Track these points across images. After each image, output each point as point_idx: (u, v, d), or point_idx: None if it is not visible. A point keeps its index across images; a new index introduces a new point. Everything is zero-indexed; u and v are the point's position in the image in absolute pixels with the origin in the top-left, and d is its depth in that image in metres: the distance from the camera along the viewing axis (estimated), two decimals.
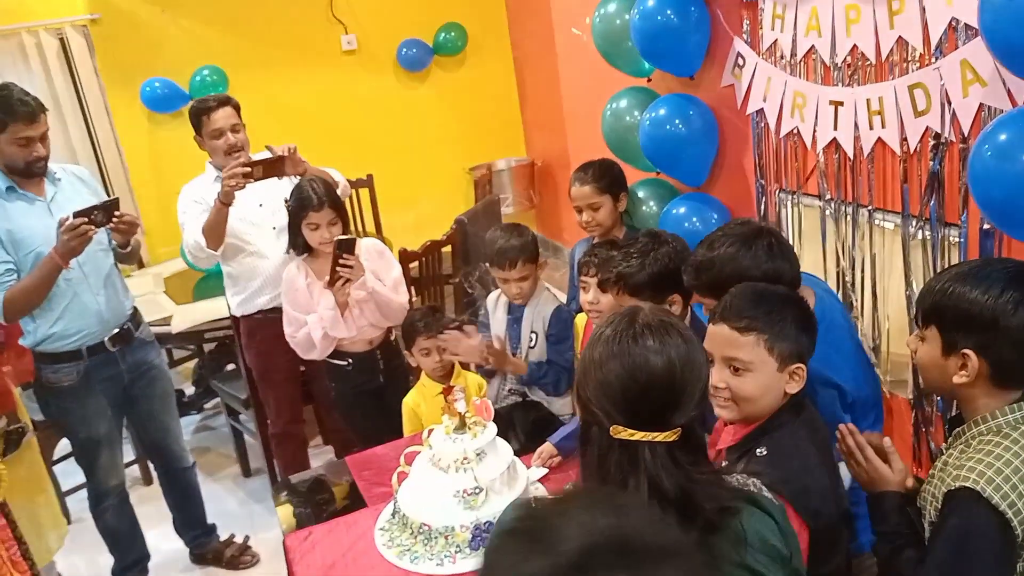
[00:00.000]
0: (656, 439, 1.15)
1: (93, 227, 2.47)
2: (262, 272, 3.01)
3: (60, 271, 2.51)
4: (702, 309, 2.21)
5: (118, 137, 5.07)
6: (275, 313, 3.00)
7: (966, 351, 1.40)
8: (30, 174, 2.59)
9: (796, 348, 1.53)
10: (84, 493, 2.99)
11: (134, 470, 3.82)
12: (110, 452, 2.86)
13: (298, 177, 2.96)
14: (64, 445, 3.38)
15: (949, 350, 1.43)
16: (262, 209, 3.01)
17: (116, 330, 2.75)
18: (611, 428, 1.16)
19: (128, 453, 3.59)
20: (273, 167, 2.84)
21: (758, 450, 1.52)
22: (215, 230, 2.84)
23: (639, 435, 1.15)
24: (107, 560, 3.03)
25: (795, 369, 1.53)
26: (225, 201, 2.78)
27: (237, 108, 2.99)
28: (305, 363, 3.11)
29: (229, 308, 3.22)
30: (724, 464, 1.57)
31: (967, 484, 1.33)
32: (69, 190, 2.71)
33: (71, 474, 3.37)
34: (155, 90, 4.98)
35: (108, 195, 3.22)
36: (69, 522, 3.47)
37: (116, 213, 2.56)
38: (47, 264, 2.49)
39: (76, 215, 2.46)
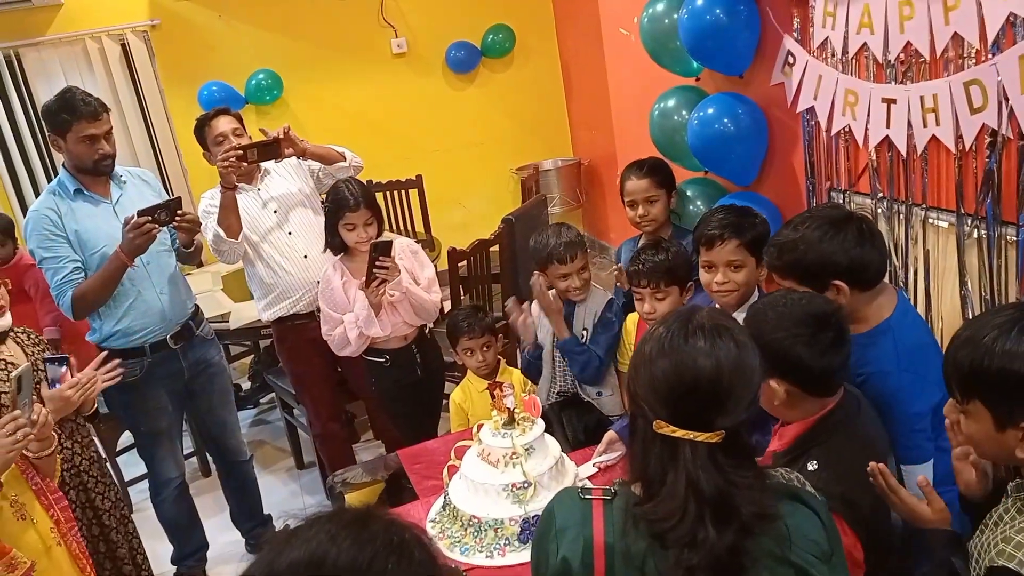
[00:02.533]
0: (698, 438, 1.15)
1: (157, 225, 2.56)
2: (276, 278, 3.03)
3: (125, 269, 2.61)
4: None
5: (177, 139, 5.23)
6: (300, 319, 3.06)
7: None
8: (98, 172, 2.68)
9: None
10: (146, 483, 3.10)
11: (193, 461, 3.94)
12: (170, 445, 2.95)
13: (302, 159, 3.01)
14: (127, 436, 3.51)
15: (1004, 424, 1.24)
16: (276, 215, 3.03)
17: (178, 328, 2.83)
18: (655, 423, 1.17)
19: (187, 445, 3.70)
20: (269, 150, 2.87)
21: (809, 464, 1.52)
22: (227, 217, 2.89)
23: (680, 432, 1.15)
24: (167, 548, 3.13)
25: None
26: (226, 184, 2.84)
27: (238, 118, 3.03)
28: (342, 364, 3.16)
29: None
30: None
31: (1010, 565, 1.17)
32: (133, 192, 2.80)
33: (134, 464, 3.49)
34: (212, 93, 5.11)
35: (169, 196, 3.32)
36: (131, 511, 3.59)
37: (179, 212, 2.64)
38: (113, 262, 2.59)
39: (140, 214, 2.55)
